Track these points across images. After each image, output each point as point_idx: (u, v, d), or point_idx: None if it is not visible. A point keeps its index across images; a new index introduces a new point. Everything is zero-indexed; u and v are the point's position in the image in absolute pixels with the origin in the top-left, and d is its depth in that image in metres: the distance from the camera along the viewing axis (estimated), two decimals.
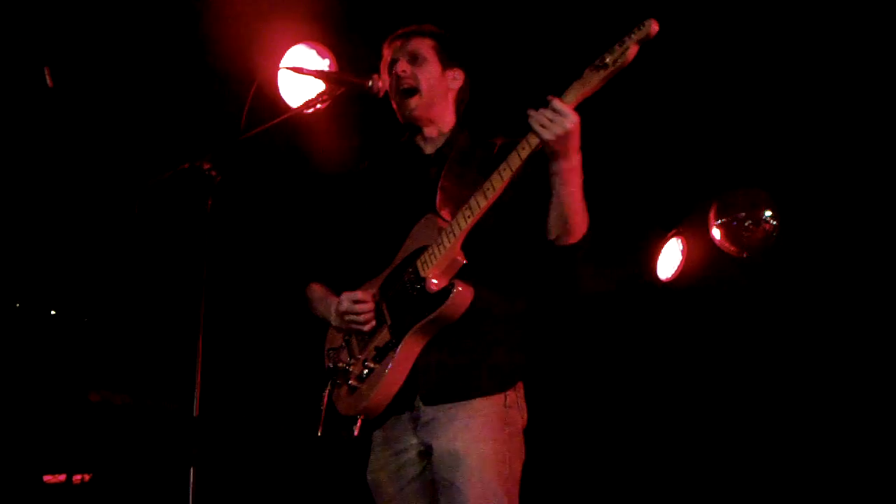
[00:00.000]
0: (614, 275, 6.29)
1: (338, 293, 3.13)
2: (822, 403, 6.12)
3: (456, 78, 3.21)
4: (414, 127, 3.20)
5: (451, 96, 3.21)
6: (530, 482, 5.64)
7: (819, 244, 6.20)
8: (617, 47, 2.64)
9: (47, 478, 4.34)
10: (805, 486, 6.04)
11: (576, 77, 2.72)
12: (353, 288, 3.13)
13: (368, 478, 3.09)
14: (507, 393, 2.98)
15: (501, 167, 2.81)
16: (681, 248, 6.63)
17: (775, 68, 5.34)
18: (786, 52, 5.23)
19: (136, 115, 4.67)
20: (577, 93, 2.71)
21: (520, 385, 3.05)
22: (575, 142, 2.73)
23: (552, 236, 2.89)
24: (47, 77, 4.34)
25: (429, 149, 3.20)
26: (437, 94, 3.15)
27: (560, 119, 2.68)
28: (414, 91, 3.12)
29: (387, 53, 3.20)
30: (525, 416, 3.05)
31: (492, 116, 2.90)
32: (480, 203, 2.84)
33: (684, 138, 5.82)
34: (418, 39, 3.16)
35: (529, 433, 3.06)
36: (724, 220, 6.41)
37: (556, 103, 2.69)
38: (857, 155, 5.75)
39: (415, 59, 3.13)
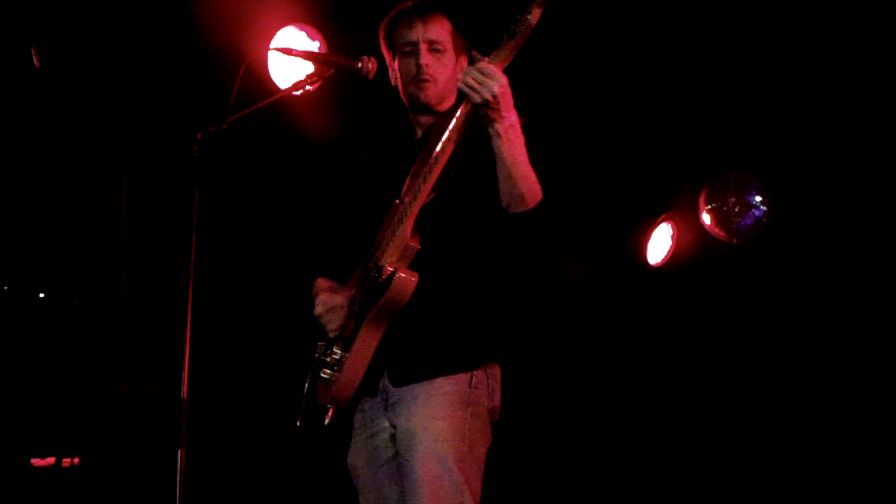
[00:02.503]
0: (603, 259, 6.30)
1: (342, 280, 3.17)
2: (813, 390, 6.15)
3: (462, 68, 3.12)
4: (418, 111, 3.15)
5: (457, 82, 3.10)
6: (518, 470, 5.68)
7: (809, 230, 6.21)
8: (521, 14, 2.63)
9: (35, 461, 4.34)
10: (794, 473, 6.07)
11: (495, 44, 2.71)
12: (346, 279, 3.16)
13: (348, 462, 3.08)
14: (474, 373, 2.93)
15: (437, 148, 2.81)
16: (671, 232, 6.64)
17: (766, 53, 5.34)
18: (776, 37, 5.23)
19: (124, 96, 4.65)
20: (497, 57, 2.69)
21: (493, 367, 3.00)
22: (507, 101, 2.69)
23: (504, 203, 2.84)
24: (34, 57, 4.32)
25: (419, 132, 3.17)
26: (450, 86, 3.11)
27: (489, 82, 2.65)
28: (433, 84, 3.07)
29: (404, 30, 3.09)
30: (496, 399, 3.00)
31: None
32: (421, 188, 2.84)
33: (674, 122, 5.83)
34: (438, 22, 3.07)
35: (517, 422, 3.04)
36: (714, 204, 6.42)
37: (483, 65, 2.67)
38: (848, 140, 5.76)
39: (436, 50, 3.06)
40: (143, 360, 4.66)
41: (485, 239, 3.00)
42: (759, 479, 6.17)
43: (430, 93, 3.07)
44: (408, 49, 3.08)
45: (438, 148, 2.81)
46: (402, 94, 3.16)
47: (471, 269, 3.00)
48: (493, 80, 2.65)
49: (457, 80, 3.08)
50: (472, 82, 2.67)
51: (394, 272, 2.84)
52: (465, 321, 2.96)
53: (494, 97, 2.65)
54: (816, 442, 6.06)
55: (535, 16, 2.62)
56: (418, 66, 3.05)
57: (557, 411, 6.19)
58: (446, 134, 2.80)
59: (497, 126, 2.71)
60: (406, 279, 2.85)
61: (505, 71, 2.70)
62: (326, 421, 3.01)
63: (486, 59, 2.68)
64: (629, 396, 6.43)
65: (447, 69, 3.08)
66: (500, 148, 2.74)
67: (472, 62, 2.74)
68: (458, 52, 3.12)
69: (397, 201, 2.99)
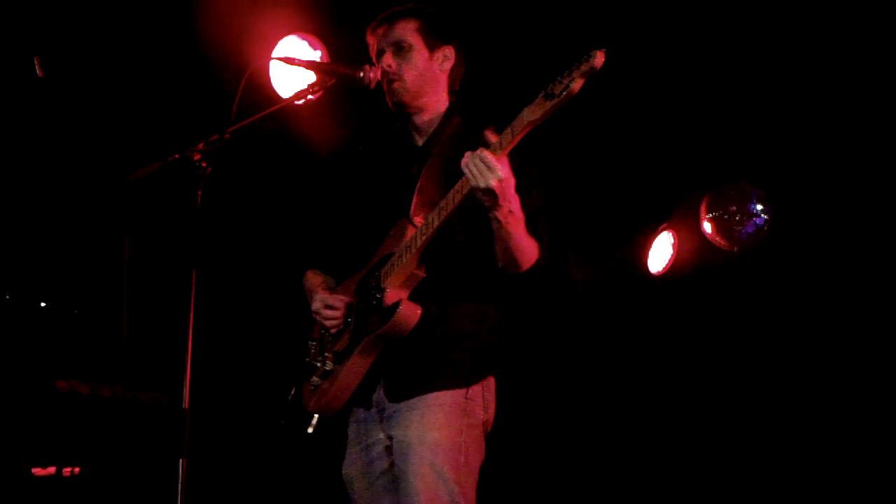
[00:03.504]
0: (605, 268, 6.30)
1: (334, 277, 3.16)
2: (814, 397, 6.14)
3: (446, 57, 3.13)
4: (405, 115, 3.16)
5: (442, 78, 3.15)
6: (520, 479, 5.67)
7: (810, 238, 6.21)
8: (563, 78, 2.54)
9: (36, 470, 4.33)
10: (796, 481, 6.06)
11: (531, 97, 2.62)
12: (342, 278, 3.15)
13: (343, 473, 3.08)
14: (471, 387, 2.93)
15: (455, 188, 2.78)
16: (672, 241, 6.64)
17: (767, 62, 5.34)
18: (777, 47, 5.24)
19: (127, 105, 4.65)
20: (521, 126, 2.62)
21: (489, 379, 3.01)
22: (507, 191, 2.67)
23: (500, 265, 2.88)
24: (37, 67, 4.33)
25: (419, 139, 3.16)
26: (425, 81, 3.10)
27: (488, 174, 2.62)
28: (401, 84, 3.07)
29: (372, 42, 3.15)
30: (490, 412, 3.00)
31: (494, 88, 2.82)
32: (434, 223, 2.83)
33: (676, 131, 5.83)
34: (402, 24, 3.10)
35: (516, 429, 3.03)
36: (715, 213, 6.42)
37: (487, 157, 2.62)
38: (848, 149, 5.76)
39: (400, 49, 3.07)
40: (145, 369, 4.66)
41: (486, 264, 2.99)
42: (761, 484, 6.15)
43: (398, 90, 3.08)
44: (377, 56, 3.12)
45: (456, 187, 2.78)
46: (388, 104, 3.18)
47: (471, 290, 3.00)
48: (492, 174, 2.62)
49: (439, 73, 3.12)
50: (473, 169, 2.64)
51: (398, 304, 2.85)
52: (462, 340, 2.96)
53: (490, 189, 2.63)
54: (817, 448, 6.05)
55: (577, 84, 2.52)
56: (382, 70, 3.07)
57: (560, 420, 6.18)
58: (456, 189, 2.77)
59: (495, 213, 2.71)
60: (410, 314, 2.86)
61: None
62: (310, 429, 3.00)
63: (495, 138, 2.64)
64: (631, 404, 6.42)
65: (415, 65, 3.08)
66: (497, 230, 2.77)
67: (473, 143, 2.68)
68: (431, 46, 3.11)
69: (404, 220, 2.98)
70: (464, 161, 2.67)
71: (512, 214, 2.74)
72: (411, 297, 2.90)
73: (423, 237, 2.85)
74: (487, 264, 2.98)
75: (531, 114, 2.61)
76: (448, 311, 2.95)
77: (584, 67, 2.51)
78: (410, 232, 2.92)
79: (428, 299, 2.90)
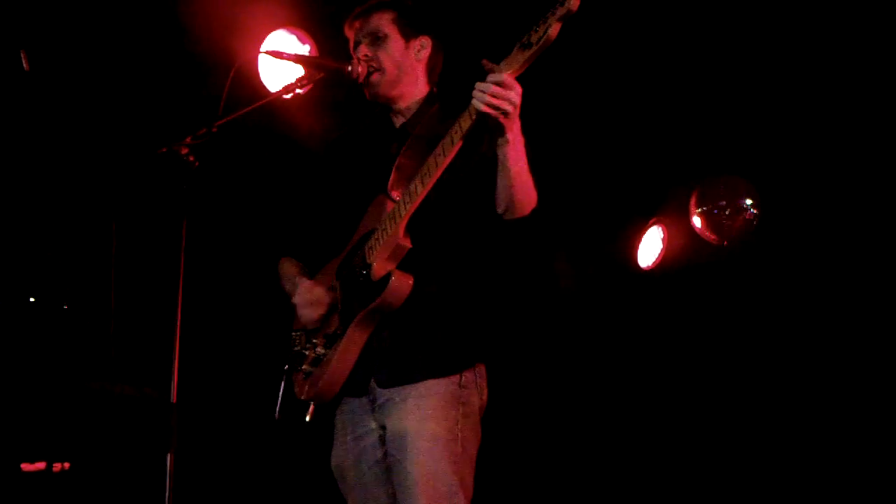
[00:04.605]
0: (594, 262, 6.30)
1: (308, 267, 3.16)
2: (803, 391, 6.16)
3: (423, 46, 3.16)
4: (384, 106, 3.17)
5: (420, 67, 3.16)
6: (507, 471, 5.67)
7: (800, 232, 6.23)
8: (539, 26, 2.54)
9: (25, 466, 4.32)
10: (788, 476, 6.08)
11: (506, 53, 2.64)
12: (320, 265, 3.15)
13: (332, 464, 3.08)
14: (463, 373, 2.93)
15: (437, 151, 2.77)
16: (661, 235, 6.64)
17: (756, 55, 5.35)
18: (766, 40, 5.25)
19: (114, 99, 4.64)
20: (509, 68, 2.62)
21: (480, 367, 3.00)
22: (517, 112, 2.67)
23: (500, 210, 2.84)
24: (24, 60, 4.31)
25: (397, 122, 3.18)
26: (402, 70, 3.12)
27: (509, 93, 2.60)
28: (379, 74, 3.09)
29: (350, 35, 3.18)
30: (484, 398, 3.00)
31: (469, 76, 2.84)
32: (418, 190, 2.81)
33: (666, 125, 5.83)
34: (377, 15, 3.12)
35: (507, 424, 3.03)
36: (704, 207, 6.43)
37: (502, 76, 2.59)
38: (838, 143, 5.77)
39: (375, 39, 3.10)
40: (133, 364, 4.65)
41: (474, 240, 3.01)
42: (751, 480, 6.17)
43: (376, 82, 3.09)
44: (355, 48, 3.14)
45: (438, 150, 2.78)
46: (366, 95, 3.19)
47: (460, 270, 3.00)
48: (513, 91, 2.61)
49: (415, 62, 3.13)
50: (497, 92, 2.60)
51: (389, 274, 2.82)
52: (453, 322, 2.96)
53: (514, 106, 2.62)
54: (807, 443, 6.06)
55: (554, 30, 2.52)
56: (359, 60, 3.09)
57: (548, 414, 6.18)
58: (447, 138, 2.76)
59: (508, 135, 2.69)
60: (402, 284, 2.84)
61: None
62: (308, 417, 3.00)
63: (500, 67, 2.62)
64: (620, 399, 6.43)
65: (391, 54, 3.10)
66: (508, 156, 2.72)
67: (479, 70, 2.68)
68: (407, 36, 3.13)
69: (382, 195, 2.97)
70: (479, 90, 2.61)
71: (520, 136, 2.71)
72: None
73: (409, 205, 2.82)
74: (477, 242, 2.99)
75: (508, 66, 2.61)
76: (437, 292, 2.94)
77: (560, 12, 2.50)
78: (390, 206, 2.91)
79: (419, 282, 2.88)
